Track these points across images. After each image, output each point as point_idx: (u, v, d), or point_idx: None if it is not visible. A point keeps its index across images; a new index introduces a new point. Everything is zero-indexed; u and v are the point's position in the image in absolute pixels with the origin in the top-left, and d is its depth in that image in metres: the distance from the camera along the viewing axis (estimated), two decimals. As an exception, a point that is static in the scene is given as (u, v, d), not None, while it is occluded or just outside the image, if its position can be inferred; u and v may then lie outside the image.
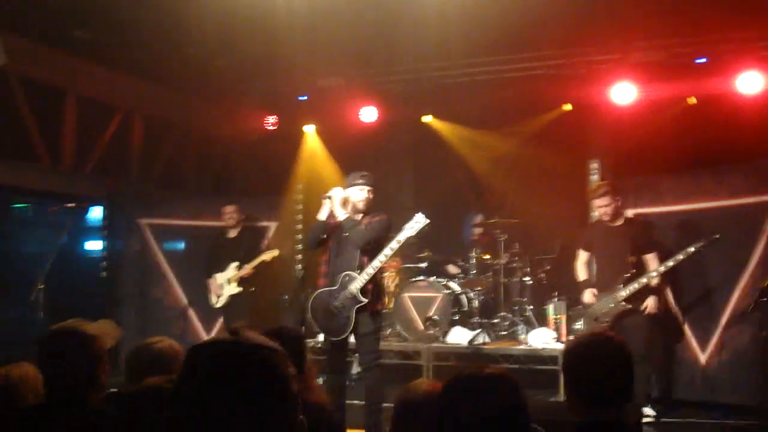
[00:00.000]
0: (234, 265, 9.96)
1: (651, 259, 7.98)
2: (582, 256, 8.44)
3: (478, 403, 2.50)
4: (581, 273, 8.40)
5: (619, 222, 8.10)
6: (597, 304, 7.98)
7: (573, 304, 9.73)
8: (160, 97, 11.73)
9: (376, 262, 6.67)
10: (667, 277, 8.02)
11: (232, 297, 9.95)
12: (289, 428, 1.51)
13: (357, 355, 8.38)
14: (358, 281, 6.69)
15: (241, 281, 9.93)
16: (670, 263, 7.68)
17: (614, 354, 3.06)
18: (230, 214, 10.15)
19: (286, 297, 7.29)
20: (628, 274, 7.79)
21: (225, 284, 9.98)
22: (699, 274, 8.45)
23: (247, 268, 9.89)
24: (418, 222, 6.63)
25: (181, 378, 1.50)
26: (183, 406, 1.47)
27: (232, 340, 1.50)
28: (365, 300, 6.71)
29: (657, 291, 7.97)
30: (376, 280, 6.82)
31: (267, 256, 9.90)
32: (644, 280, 7.73)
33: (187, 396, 1.47)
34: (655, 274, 7.78)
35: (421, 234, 6.84)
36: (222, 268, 10.04)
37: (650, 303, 7.84)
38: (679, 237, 8.70)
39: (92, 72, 10.49)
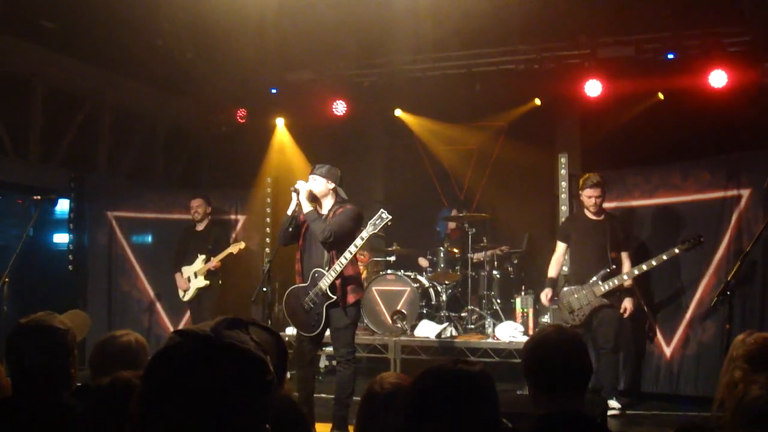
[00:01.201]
0: (201, 258, 9.93)
1: (625, 258, 8.10)
2: (559, 248, 8.46)
3: (448, 398, 2.49)
4: (552, 268, 8.46)
5: (601, 216, 8.12)
6: (573, 297, 7.98)
7: (540, 298, 9.82)
8: (128, 88, 11.64)
9: (343, 258, 6.63)
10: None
11: (200, 290, 9.93)
12: None
13: (330, 348, 8.36)
14: (326, 278, 6.66)
15: (209, 274, 9.91)
16: (653, 262, 7.78)
17: (568, 344, 3.11)
18: (196, 207, 10.12)
19: (265, 290, 7.23)
20: (608, 270, 7.86)
21: (192, 277, 9.95)
22: (665, 269, 8.50)
23: (214, 261, 9.85)
24: (381, 218, 6.60)
25: (151, 366, 1.48)
26: (151, 398, 1.45)
27: (207, 337, 1.47)
28: (334, 297, 6.69)
29: (631, 291, 8.08)
30: (347, 275, 6.77)
31: (234, 248, 9.88)
32: (617, 281, 7.83)
33: (154, 390, 1.45)
34: (627, 277, 7.87)
35: (385, 229, 6.83)
36: (189, 262, 10.01)
37: (627, 305, 7.95)
38: (648, 232, 8.80)
39: (60, 63, 10.39)
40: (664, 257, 7.70)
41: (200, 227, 10.17)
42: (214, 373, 1.44)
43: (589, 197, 8.01)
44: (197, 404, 1.41)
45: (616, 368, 8.25)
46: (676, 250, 7.69)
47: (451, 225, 11.36)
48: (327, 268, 6.70)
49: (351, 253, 6.62)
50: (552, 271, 8.46)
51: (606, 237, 7.93)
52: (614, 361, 8.06)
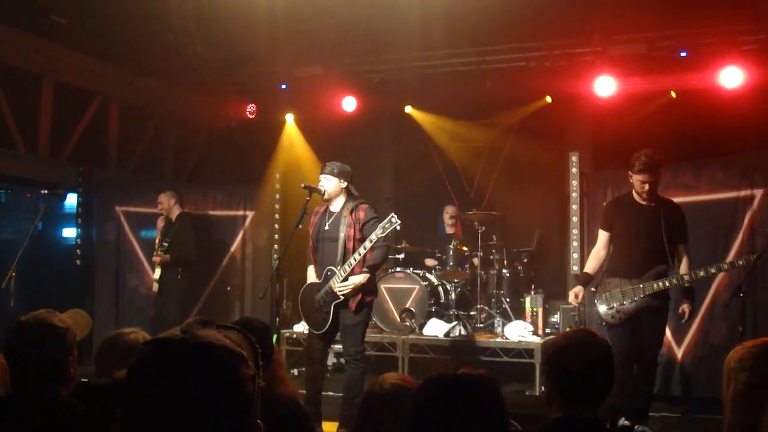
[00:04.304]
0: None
1: (683, 251, 6.78)
2: (602, 238, 7.02)
3: (451, 407, 2.44)
4: (590, 262, 7.11)
5: (654, 203, 6.72)
6: (617, 291, 6.64)
7: (550, 297, 9.76)
8: (137, 83, 11.61)
9: (351, 259, 6.63)
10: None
11: (159, 283, 9.73)
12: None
13: (339, 346, 8.33)
14: (337, 276, 6.67)
15: (164, 267, 9.70)
16: (725, 266, 6.78)
17: (599, 352, 3.08)
18: (160, 200, 9.97)
19: (264, 290, 7.17)
20: (664, 265, 6.60)
21: (157, 270, 9.84)
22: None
23: (156, 255, 9.73)
24: (391, 222, 6.56)
25: (130, 376, 1.42)
26: (132, 405, 1.39)
27: (181, 339, 1.42)
28: (341, 297, 6.67)
29: (690, 293, 6.75)
30: (357, 274, 6.71)
31: (155, 258, 9.71)
32: (675, 281, 6.54)
33: (135, 396, 1.40)
34: (688, 278, 6.55)
35: (392, 234, 6.83)
36: None
37: (687, 309, 6.65)
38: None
39: (69, 58, 10.37)
40: (724, 267, 6.79)
41: (173, 220, 9.96)
42: (193, 374, 1.38)
43: (642, 182, 6.58)
44: (180, 410, 1.36)
45: (652, 384, 7.09)
46: (741, 262, 6.75)
47: (450, 222, 11.26)
48: (338, 267, 6.69)
49: (360, 255, 6.61)
50: (589, 266, 7.07)
51: (660, 226, 6.56)
52: (653, 374, 6.96)
